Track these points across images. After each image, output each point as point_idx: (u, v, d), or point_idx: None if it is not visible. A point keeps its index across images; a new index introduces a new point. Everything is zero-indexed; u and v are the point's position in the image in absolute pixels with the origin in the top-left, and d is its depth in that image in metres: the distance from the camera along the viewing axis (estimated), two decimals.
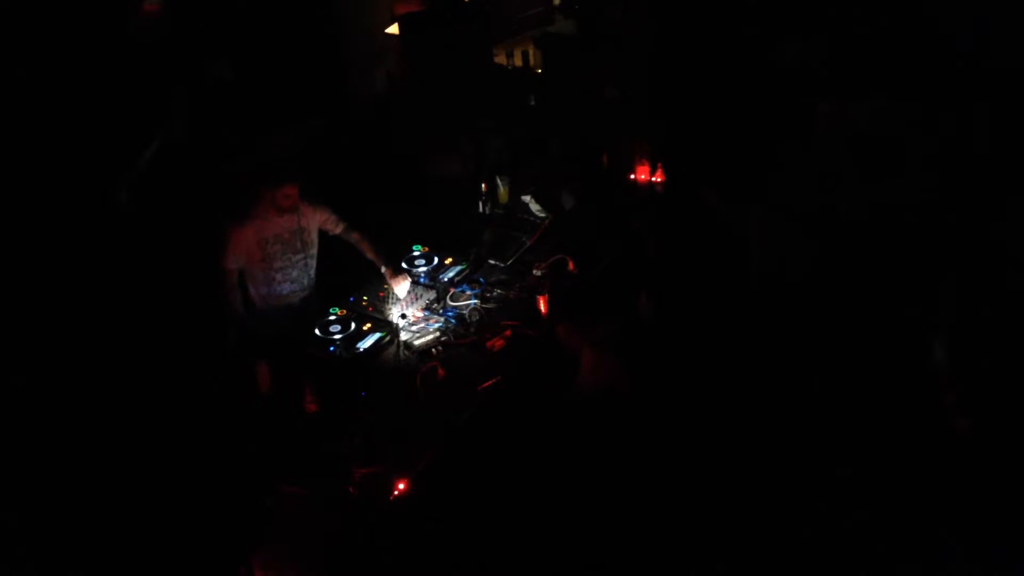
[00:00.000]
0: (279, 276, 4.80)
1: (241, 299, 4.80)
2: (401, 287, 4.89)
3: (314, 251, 4.94)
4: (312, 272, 4.98)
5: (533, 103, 7.25)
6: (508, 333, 4.63)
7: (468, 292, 4.94)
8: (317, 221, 4.90)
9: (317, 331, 4.56)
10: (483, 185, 5.71)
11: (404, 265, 5.06)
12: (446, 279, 5.01)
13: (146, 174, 5.61)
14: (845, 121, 5.02)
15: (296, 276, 4.87)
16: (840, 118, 5.01)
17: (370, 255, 4.99)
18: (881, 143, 4.96)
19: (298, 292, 4.92)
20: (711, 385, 4.67)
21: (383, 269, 4.93)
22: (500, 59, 8.09)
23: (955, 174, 4.85)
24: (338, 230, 4.99)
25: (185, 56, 6.08)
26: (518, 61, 7.92)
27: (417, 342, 4.56)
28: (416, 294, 4.92)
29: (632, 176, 5.90)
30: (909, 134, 4.98)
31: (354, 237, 5.01)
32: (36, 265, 5.18)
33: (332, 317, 4.64)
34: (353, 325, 4.59)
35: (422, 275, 5.03)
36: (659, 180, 5.86)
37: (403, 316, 4.69)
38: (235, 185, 5.12)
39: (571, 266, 5.08)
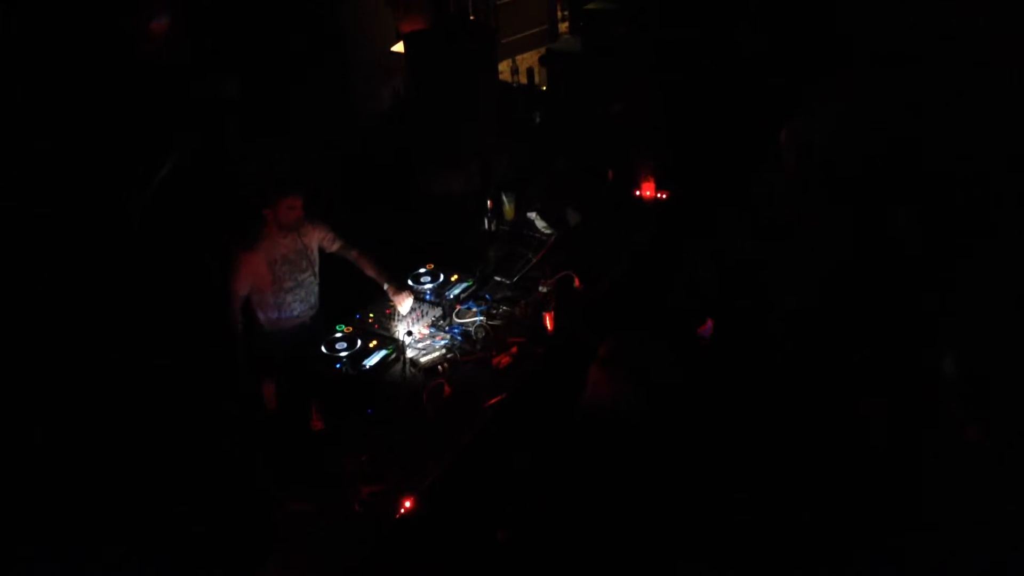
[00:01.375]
0: (290, 297, 4.81)
1: (246, 324, 4.77)
2: (404, 304, 4.90)
3: (317, 269, 4.95)
4: (317, 290, 4.98)
5: (538, 120, 7.29)
6: (514, 350, 4.62)
7: (474, 309, 4.94)
8: (317, 238, 4.90)
9: (323, 348, 4.56)
10: (489, 202, 5.72)
11: (410, 282, 5.07)
12: (452, 296, 5.02)
13: (158, 194, 5.65)
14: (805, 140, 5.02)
15: (304, 295, 4.88)
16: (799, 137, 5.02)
17: (371, 272, 4.99)
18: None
19: (307, 311, 4.93)
20: (722, 404, 4.66)
21: (385, 286, 4.93)
22: (505, 76, 8.14)
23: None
24: (335, 247, 4.98)
25: (192, 74, 6.12)
26: (523, 78, 7.97)
27: (423, 359, 4.56)
28: (422, 311, 4.92)
29: (637, 192, 5.92)
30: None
31: (352, 254, 5.00)
32: (53, 283, 5.22)
33: (339, 335, 4.65)
34: (359, 342, 4.60)
35: (428, 292, 5.03)
36: (664, 196, 5.89)
37: (409, 333, 4.69)
38: (241, 207, 5.13)
39: (577, 283, 5.08)
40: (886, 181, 5.04)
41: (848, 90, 5.39)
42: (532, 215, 5.78)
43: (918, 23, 5.65)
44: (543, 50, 7.91)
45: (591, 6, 7.01)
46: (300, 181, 4.75)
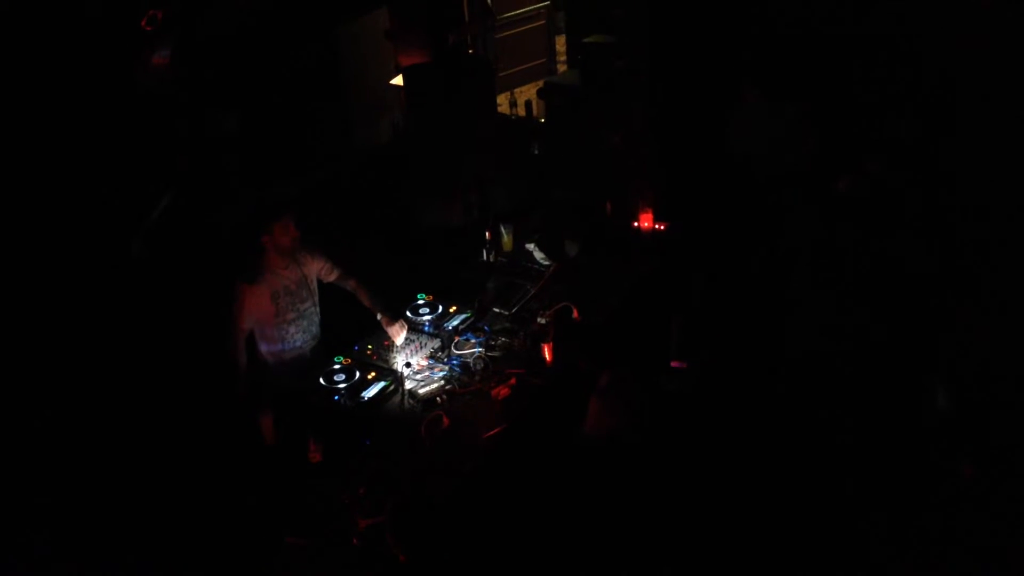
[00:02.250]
0: (292, 328, 4.80)
1: (249, 359, 4.77)
2: (399, 335, 4.89)
3: (317, 299, 4.95)
4: (318, 320, 4.98)
5: (536, 152, 7.32)
6: (513, 381, 4.61)
7: (472, 340, 4.93)
8: (315, 268, 4.91)
9: (321, 380, 4.55)
10: (487, 233, 5.73)
11: (408, 313, 5.07)
12: (450, 327, 5.01)
13: (158, 226, 5.67)
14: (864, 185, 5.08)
15: (307, 326, 4.88)
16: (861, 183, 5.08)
17: (366, 303, 4.99)
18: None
19: (309, 342, 4.93)
20: (720, 438, 4.65)
21: (379, 316, 4.93)
22: (504, 109, 8.19)
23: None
24: (333, 277, 4.99)
25: (193, 108, 6.16)
26: (521, 111, 8.02)
27: (422, 391, 4.55)
28: (420, 343, 4.92)
29: (635, 224, 5.93)
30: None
31: (350, 285, 5.01)
32: (53, 310, 5.22)
33: (337, 366, 4.64)
34: (357, 374, 4.59)
35: (426, 323, 5.03)
36: (662, 228, 5.90)
37: (407, 365, 4.69)
38: (240, 241, 5.14)
39: (575, 314, 5.07)
40: (890, 204, 5.08)
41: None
42: (530, 246, 5.79)
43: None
44: (541, 83, 7.97)
45: (590, 40, 7.07)
46: (292, 204, 4.77)
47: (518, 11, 9.40)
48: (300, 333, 4.85)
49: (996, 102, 5.34)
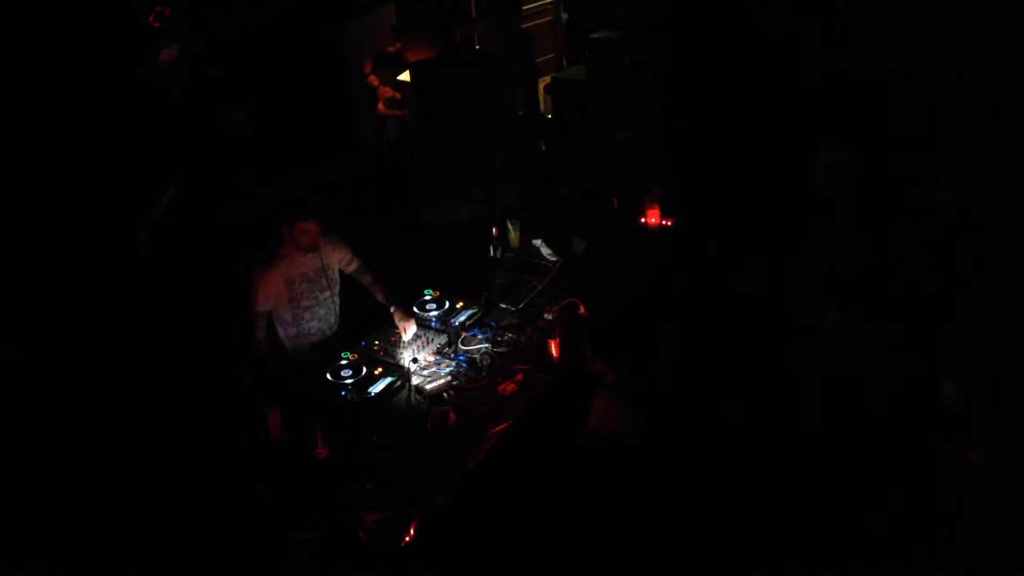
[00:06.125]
0: (307, 315, 4.85)
1: (268, 342, 4.82)
2: (408, 330, 4.89)
3: (337, 289, 4.99)
4: (337, 309, 5.03)
5: (543, 147, 7.31)
6: (520, 377, 4.61)
7: (479, 336, 4.93)
8: (336, 258, 4.94)
9: (328, 375, 4.56)
10: (494, 229, 5.73)
11: (415, 309, 5.07)
12: (457, 323, 5.01)
13: (164, 218, 5.67)
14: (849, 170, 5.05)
15: (323, 314, 4.92)
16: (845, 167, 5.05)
17: (380, 297, 5.02)
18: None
19: (326, 330, 4.98)
20: (725, 438, 4.63)
21: (392, 309, 4.94)
22: None
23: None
24: (351, 268, 5.02)
25: (200, 102, 6.17)
26: None
27: (428, 386, 4.55)
28: (427, 338, 4.92)
29: (642, 220, 5.92)
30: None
31: (366, 279, 5.04)
32: (58, 302, 5.23)
33: (343, 361, 4.64)
34: (364, 369, 4.59)
35: (433, 319, 5.03)
36: (669, 224, 5.89)
37: (414, 360, 4.69)
38: (255, 229, 5.15)
39: (582, 310, 5.07)
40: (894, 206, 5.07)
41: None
42: (537, 242, 5.79)
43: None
44: (549, 78, 7.95)
45: (596, 35, 7.06)
46: (311, 204, 4.78)
47: (525, 6, 9.37)
48: (316, 321, 4.89)
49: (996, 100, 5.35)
